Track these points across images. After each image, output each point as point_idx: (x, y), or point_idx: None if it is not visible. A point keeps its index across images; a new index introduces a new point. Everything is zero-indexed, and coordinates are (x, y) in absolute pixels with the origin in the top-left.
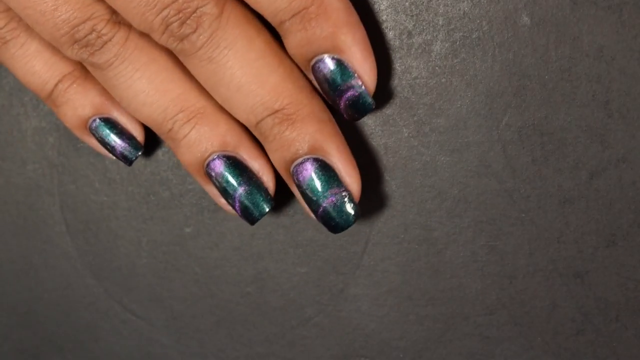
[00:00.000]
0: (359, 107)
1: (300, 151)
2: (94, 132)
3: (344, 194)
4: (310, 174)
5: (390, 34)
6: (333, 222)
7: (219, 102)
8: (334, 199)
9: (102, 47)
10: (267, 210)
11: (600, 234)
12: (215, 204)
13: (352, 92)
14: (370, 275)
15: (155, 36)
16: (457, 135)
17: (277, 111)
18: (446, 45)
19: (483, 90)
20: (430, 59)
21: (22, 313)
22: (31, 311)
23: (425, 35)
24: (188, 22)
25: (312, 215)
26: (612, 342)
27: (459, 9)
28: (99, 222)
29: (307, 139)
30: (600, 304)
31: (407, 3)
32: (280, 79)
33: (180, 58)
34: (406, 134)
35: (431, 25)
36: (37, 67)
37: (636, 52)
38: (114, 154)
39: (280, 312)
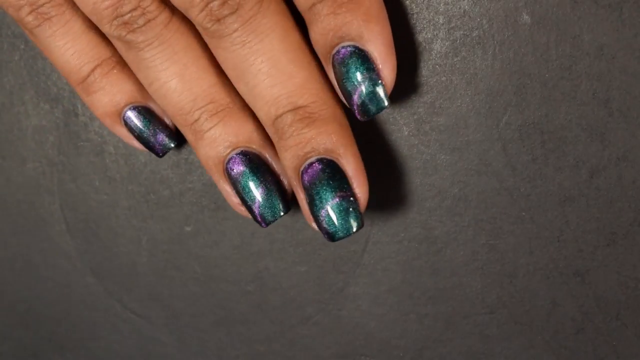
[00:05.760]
0: (373, 105)
1: (316, 151)
2: (129, 121)
3: (350, 199)
4: (320, 174)
5: None
6: (333, 228)
7: (242, 93)
8: (338, 202)
9: (144, 25)
10: (283, 213)
11: (601, 232)
12: (216, 203)
13: (369, 86)
14: (370, 274)
15: (193, 13)
16: (457, 134)
17: (299, 107)
18: (446, 43)
19: (483, 88)
20: (431, 58)
21: (21, 312)
22: (31, 310)
23: (426, 33)
24: (229, 2)
25: (312, 219)
26: (612, 341)
27: (460, 8)
28: (99, 220)
29: (324, 140)
30: (600, 303)
31: (407, 1)
32: (309, 75)
33: (210, 41)
34: (406, 133)
35: (431, 23)
36: (77, 48)
37: (636, 50)
38: (147, 144)
39: (281, 311)
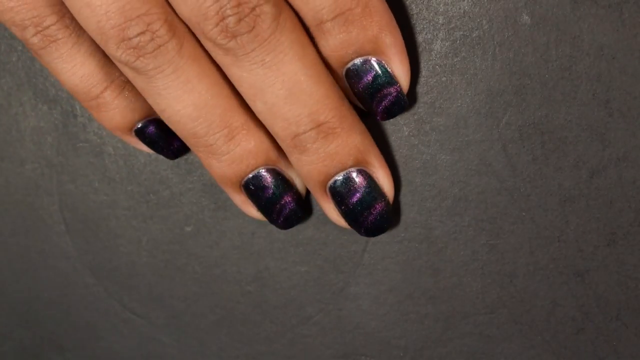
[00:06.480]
0: (395, 109)
1: (346, 164)
2: (142, 134)
3: (383, 202)
4: (356, 187)
5: None
6: (372, 231)
7: (258, 110)
8: (377, 210)
9: (154, 51)
10: (303, 215)
11: (601, 232)
12: (216, 203)
13: (390, 96)
14: (370, 274)
15: (206, 27)
16: (457, 134)
17: (322, 124)
18: (446, 44)
19: (483, 89)
20: (431, 58)
21: (21, 312)
22: (31, 311)
23: (426, 34)
24: (246, 19)
25: (348, 225)
26: (613, 341)
27: (459, 8)
28: (99, 221)
29: (352, 152)
30: (600, 303)
31: (407, 1)
32: (327, 90)
33: (223, 58)
34: (406, 133)
35: (431, 24)
36: (85, 71)
37: (636, 50)
38: (160, 153)
39: (281, 311)
